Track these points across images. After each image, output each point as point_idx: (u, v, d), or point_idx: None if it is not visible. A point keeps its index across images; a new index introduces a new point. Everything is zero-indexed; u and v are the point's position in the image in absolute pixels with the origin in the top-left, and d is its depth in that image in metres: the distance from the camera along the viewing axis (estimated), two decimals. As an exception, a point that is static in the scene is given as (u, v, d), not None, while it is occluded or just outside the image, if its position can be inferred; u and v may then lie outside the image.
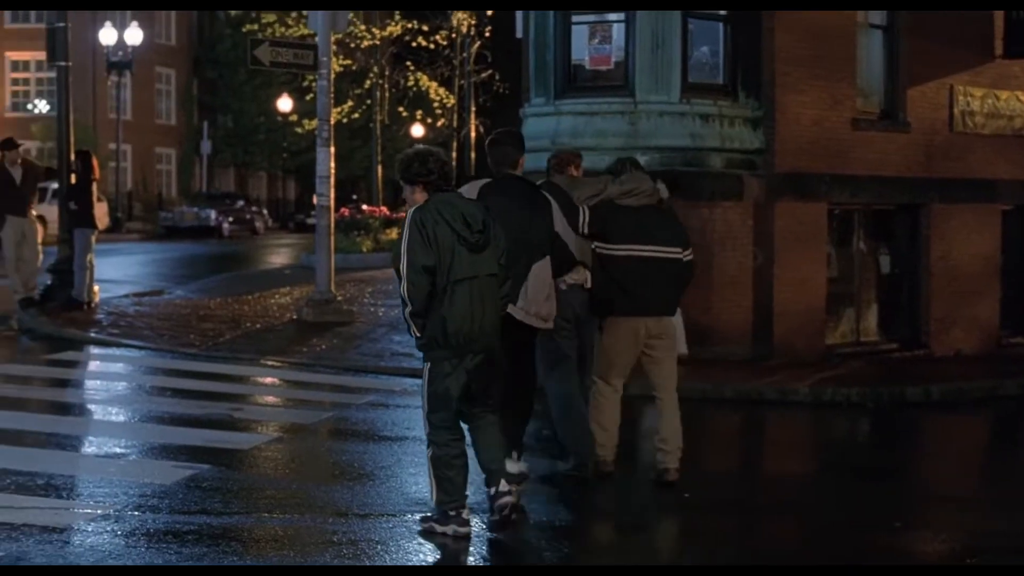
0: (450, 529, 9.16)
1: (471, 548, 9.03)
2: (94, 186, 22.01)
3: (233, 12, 61.70)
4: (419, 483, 10.49)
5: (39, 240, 21.95)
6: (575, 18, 19.07)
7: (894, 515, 10.65)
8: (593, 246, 11.13)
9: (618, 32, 18.98)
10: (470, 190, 10.15)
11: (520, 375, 10.34)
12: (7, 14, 66.41)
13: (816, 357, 19.04)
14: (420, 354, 9.45)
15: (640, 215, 11.17)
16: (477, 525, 9.36)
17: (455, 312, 8.97)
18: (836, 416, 16.09)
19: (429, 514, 9.38)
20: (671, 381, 11.43)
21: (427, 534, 9.22)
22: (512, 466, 10.05)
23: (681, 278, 11.39)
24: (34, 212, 21.86)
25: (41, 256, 21.99)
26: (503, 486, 9.25)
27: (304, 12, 34.66)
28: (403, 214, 11.71)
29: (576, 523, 10.20)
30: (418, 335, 9.16)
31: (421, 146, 9.67)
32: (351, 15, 23.91)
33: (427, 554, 8.86)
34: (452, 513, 9.17)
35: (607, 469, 11.24)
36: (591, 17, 19.16)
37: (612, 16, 19.01)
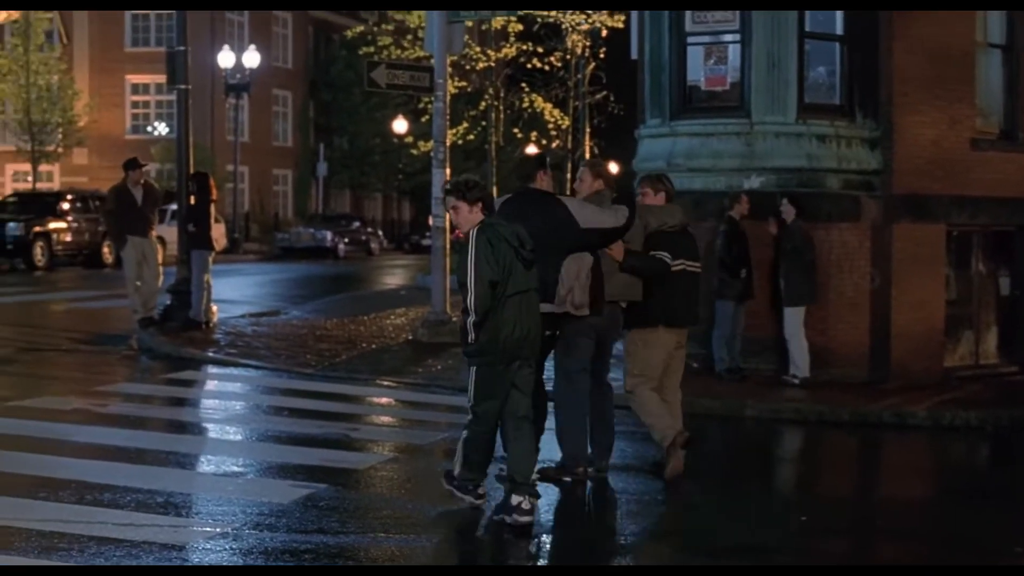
0: (466, 498, 10.37)
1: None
2: (212, 207, 22.26)
3: (349, 34, 61.96)
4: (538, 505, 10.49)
5: (159, 261, 22.21)
6: (690, 39, 19.02)
7: (1015, 540, 10.49)
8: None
9: (733, 53, 18.91)
10: (500, 204, 11.13)
11: (537, 381, 10.89)
12: (127, 38, 67.37)
13: (934, 380, 18.82)
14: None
15: (676, 235, 12.21)
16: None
17: (507, 322, 9.84)
18: (955, 440, 15.90)
19: (454, 481, 10.49)
20: (678, 386, 12.58)
21: (448, 495, 10.46)
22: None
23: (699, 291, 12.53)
24: (154, 233, 22.12)
25: (160, 277, 22.24)
26: (526, 504, 9.85)
27: (420, 34, 34.77)
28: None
29: (677, 545, 10.14)
30: (472, 343, 9.95)
31: (468, 176, 10.64)
32: (466, 37, 23.94)
33: None
34: (470, 487, 10.40)
35: (683, 437, 12.04)
36: (706, 38, 19.11)
37: (728, 37, 18.95)
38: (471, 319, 9.88)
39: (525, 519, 9.83)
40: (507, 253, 9.86)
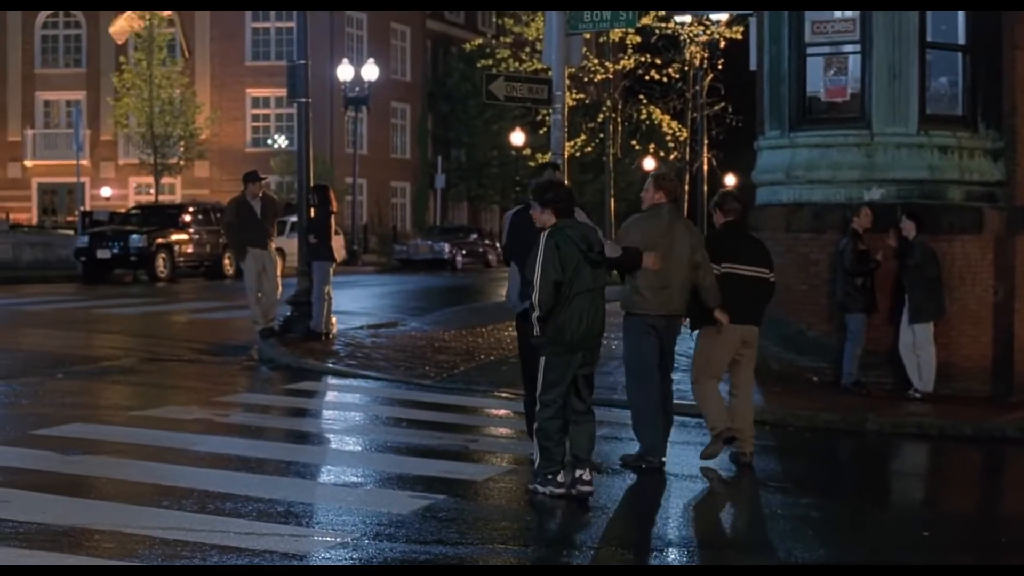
0: (547, 490, 11.02)
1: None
2: (332, 219, 22.40)
3: (467, 47, 62.26)
4: (655, 516, 10.49)
5: (278, 272, 22.40)
6: (810, 50, 18.90)
7: None
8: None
9: (854, 63, 18.76)
10: (510, 215, 13.02)
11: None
12: (247, 52, 68.12)
13: (1059, 394, 18.53)
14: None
15: (737, 240, 13.32)
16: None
17: (573, 317, 10.91)
18: (1080, 455, 15.65)
19: (537, 480, 11.18)
20: (749, 383, 13.54)
21: (532, 494, 11.10)
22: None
23: (767, 295, 13.38)
24: (273, 245, 22.32)
25: (280, 288, 22.43)
26: (587, 475, 11.09)
27: (538, 47, 34.81)
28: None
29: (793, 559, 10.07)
30: (540, 335, 11.00)
31: (551, 176, 12.34)
32: (584, 49, 23.95)
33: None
34: (549, 476, 11.05)
35: (729, 432, 12.96)
36: (826, 48, 18.97)
37: (848, 47, 18.81)
38: (535, 314, 10.97)
39: (587, 489, 11.03)
40: (574, 255, 10.90)
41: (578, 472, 11.07)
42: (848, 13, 18.77)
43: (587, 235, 11.10)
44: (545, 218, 11.14)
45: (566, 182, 20.87)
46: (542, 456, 11.14)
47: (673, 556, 9.82)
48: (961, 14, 18.82)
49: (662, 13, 45.07)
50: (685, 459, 13.23)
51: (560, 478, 11.08)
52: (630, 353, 12.80)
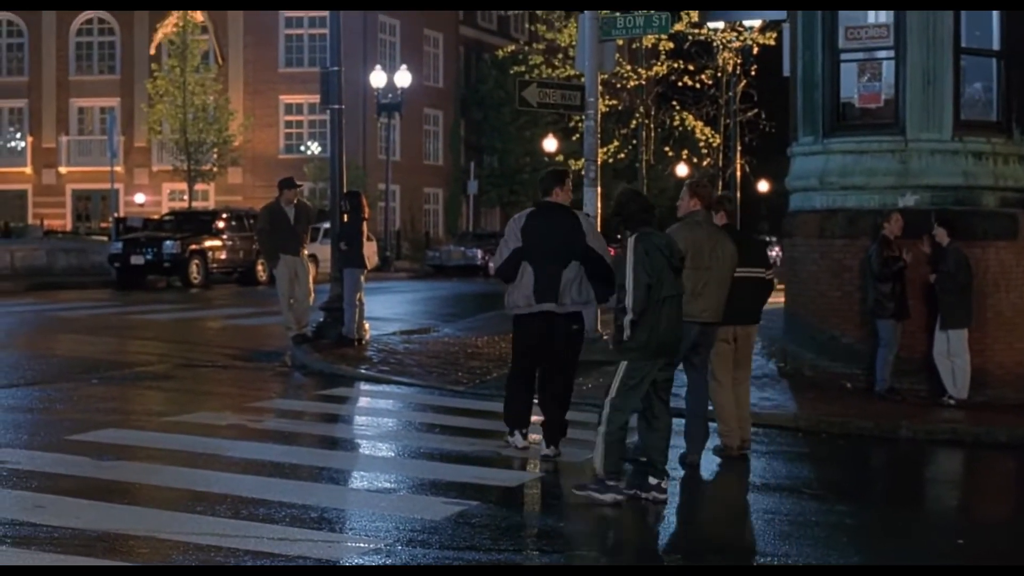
0: (609, 497, 11.03)
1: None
2: (364, 226, 22.40)
3: (499, 53, 62.28)
4: (685, 519, 10.47)
5: (311, 279, 22.44)
6: (844, 56, 18.86)
7: None
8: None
9: (888, 69, 18.72)
10: (519, 217, 13.12)
11: (567, 364, 13.37)
12: (281, 59, 68.29)
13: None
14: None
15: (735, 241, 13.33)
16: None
17: (661, 322, 11.11)
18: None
19: (587, 484, 11.26)
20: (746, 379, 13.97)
21: (587, 501, 11.03)
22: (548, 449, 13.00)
23: (764, 293, 13.85)
24: (305, 251, 22.36)
25: (312, 295, 22.48)
26: (664, 483, 11.29)
27: (570, 53, 34.79)
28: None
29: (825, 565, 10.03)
30: (628, 339, 11.08)
31: (628, 186, 13.06)
32: (617, 55, 23.97)
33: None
34: (611, 483, 11.11)
35: (731, 452, 13.48)
36: (860, 55, 18.93)
37: (881, 53, 18.76)
38: (628, 318, 11.04)
39: (663, 496, 11.21)
40: (660, 261, 11.13)
41: (653, 480, 11.24)
42: (882, 19, 18.74)
43: (670, 243, 11.47)
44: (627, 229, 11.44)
45: (598, 189, 20.92)
46: (607, 460, 11.23)
47: (706, 561, 9.80)
48: (995, 20, 18.76)
49: (695, 19, 45.00)
50: (719, 464, 13.22)
51: (622, 485, 11.22)
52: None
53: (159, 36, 63.39)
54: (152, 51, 65.33)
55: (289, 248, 21.91)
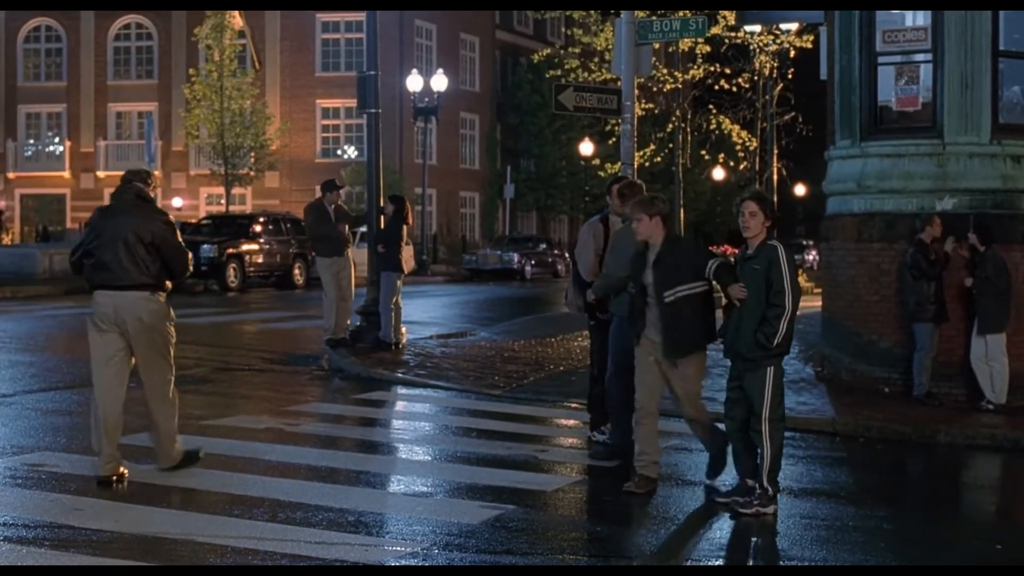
0: (771, 509, 11.03)
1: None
2: (404, 231, 22.37)
3: (535, 57, 62.30)
4: (723, 529, 10.46)
5: (352, 281, 22.45)
6: (881, 59, 18.79)
7: None
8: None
9: (925, 72, 18.64)
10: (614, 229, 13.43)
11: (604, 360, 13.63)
12: (317, 63, 68.46)
13: None
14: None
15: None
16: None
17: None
18: None
19: (737, 498, 11.18)
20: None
21: (738, 514, 10.98)
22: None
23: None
24: (350, 252, 22.39)
25: (353, 298, 22.50)
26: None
27: (607, 57, 34.73)
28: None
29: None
30: (783, 340, 11.04)
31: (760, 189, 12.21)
32: (653, 59, 23.95)
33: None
34: (770, 494, 11.08)
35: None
36: (897, 58, 18.86)
37: (919, 56, 18.68)
38: (786, 320, 10.96)
39: (773, 508, 11.13)
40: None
41: (771, 491, 11.22)
42: (919, 21, 18.67)
43: None
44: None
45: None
46: (773, 470, 11.18)
47: (741, 565, 9.79)
48: (1034, 22, 18.68)
49: (731, 22, 44.96)
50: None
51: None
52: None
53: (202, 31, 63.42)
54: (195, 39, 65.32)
55: (333, 250, 21.96)
